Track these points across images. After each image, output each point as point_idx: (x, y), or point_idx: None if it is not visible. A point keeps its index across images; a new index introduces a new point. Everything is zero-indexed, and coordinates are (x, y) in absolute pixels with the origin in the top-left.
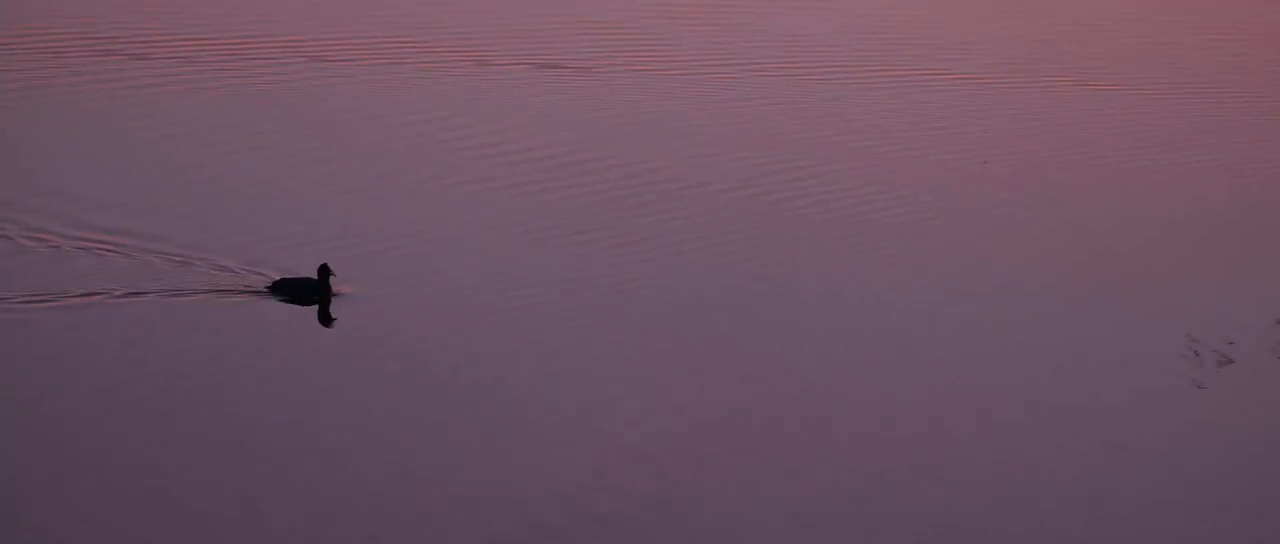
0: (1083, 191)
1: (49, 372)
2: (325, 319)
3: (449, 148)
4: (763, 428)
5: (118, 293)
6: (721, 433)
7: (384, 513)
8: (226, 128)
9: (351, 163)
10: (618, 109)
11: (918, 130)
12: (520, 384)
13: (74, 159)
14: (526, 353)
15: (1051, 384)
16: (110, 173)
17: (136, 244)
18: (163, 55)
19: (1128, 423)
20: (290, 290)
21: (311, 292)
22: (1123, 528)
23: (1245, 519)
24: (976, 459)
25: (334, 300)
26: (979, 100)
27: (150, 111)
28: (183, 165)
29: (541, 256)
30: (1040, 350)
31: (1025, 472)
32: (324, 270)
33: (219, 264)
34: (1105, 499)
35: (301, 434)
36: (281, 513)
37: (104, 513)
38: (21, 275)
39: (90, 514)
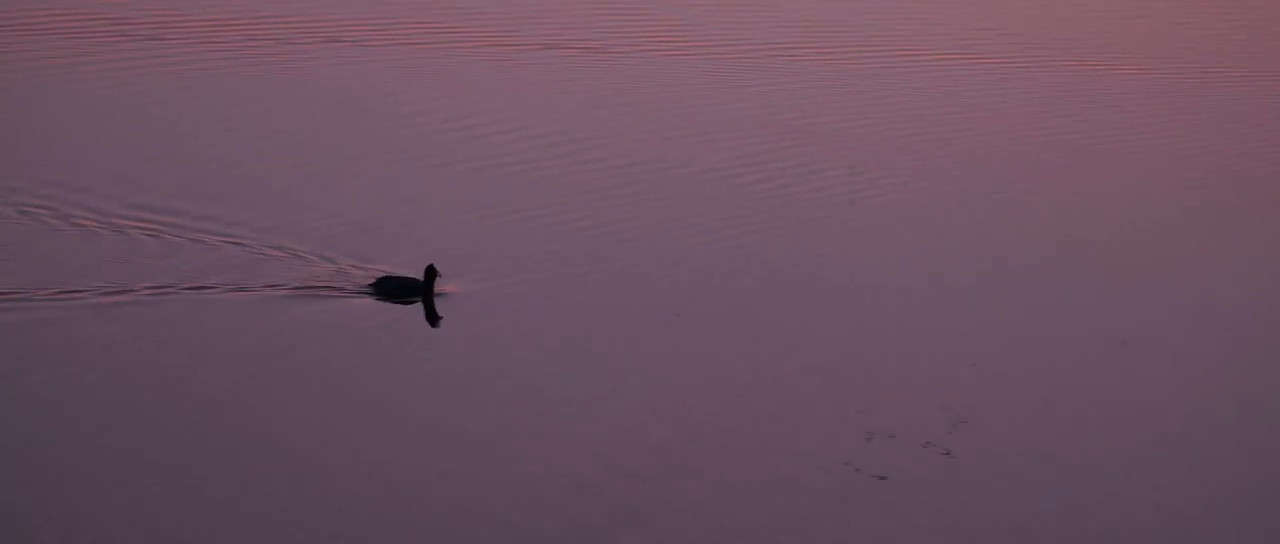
0: (1095, 174)
1: (151, 369)
2: (432, 318)
3: (482, 131)
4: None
5: (216, 287)
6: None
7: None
8: (267, 111)
9: (400, 149)
10: (649, 92)
11: (932, 112)
12: (634, 382)
13: (119, 143)
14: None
15: (1060, 365)
16: (168, 158)
17: (223, 234)
18: (178, 37)
19: (1138, 402)
20: (393, 289)
21: (415, 291)
22: (1139, 508)
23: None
24: (986, 440)
25: (437, 300)
26: (1001, 85)
27: (185, 94)
28: (235, 151)
29: (610, 246)
30: (1048, 329)
31: (1034, 452)
32: (431, 271)
33: (324, 257)
34: (1117, 480)
35: (416, 444)
36: (382, 516)
37: (201, 514)
38: (106, 265)
39: (187, 515)
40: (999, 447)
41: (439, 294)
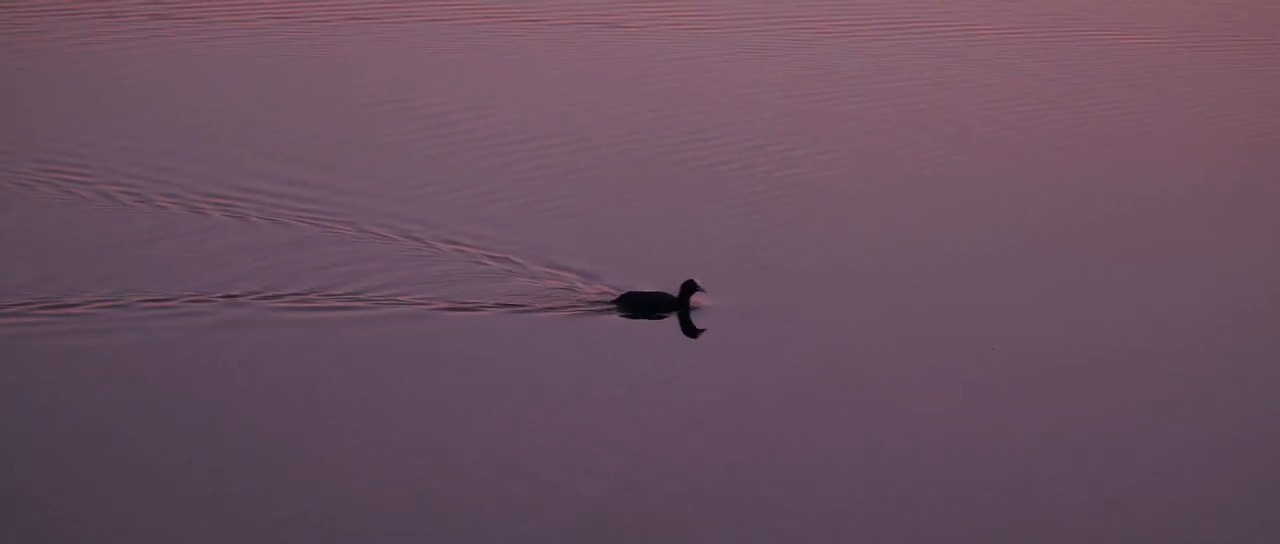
0: (1113, 149)
1: (398, 389)
2: (689, 330)
3: (626, 122)
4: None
5: (443, 302)
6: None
7: None
8: (330, 93)
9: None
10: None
11: (946, 89)
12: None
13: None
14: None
15: (1073, 342)
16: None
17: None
18: (217, 16)
19: (1156, 382)
20: (641, 305)
21: (664, 306)
22: (1156, 487)
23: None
24: (1007, 424)
25: (693, 314)
26: (1023, 57)
27: (236, 73)
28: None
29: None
30: (1062, 309)
31: (1047, 436)
32: (689, 287)
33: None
34: (1136, 460)
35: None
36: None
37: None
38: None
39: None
40: (1014, 429)
41: (695, 308)
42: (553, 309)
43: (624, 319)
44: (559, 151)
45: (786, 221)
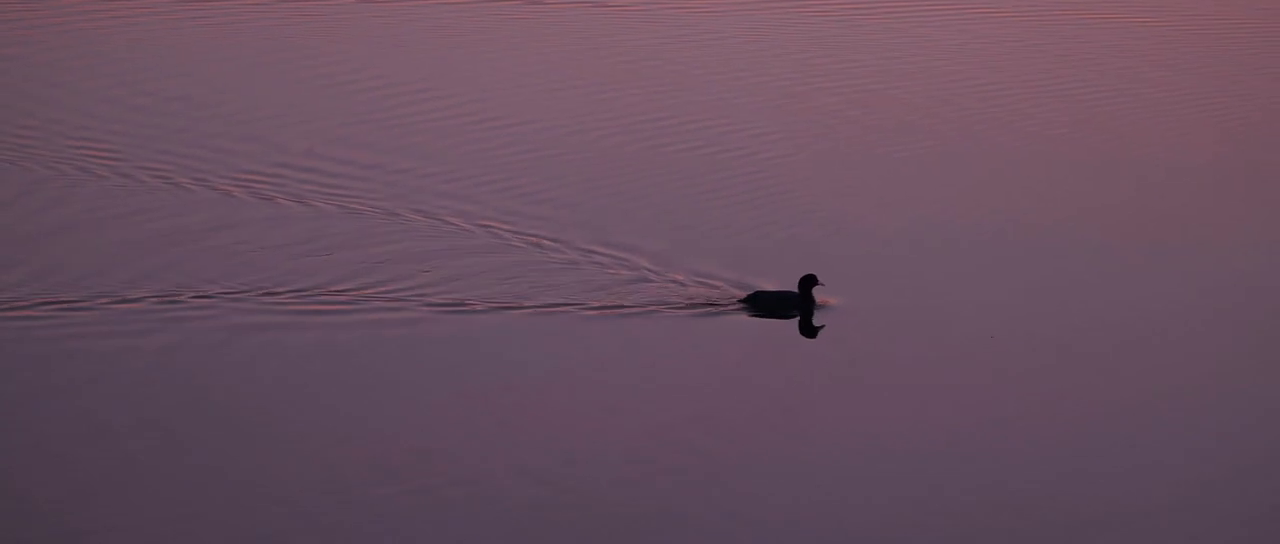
0: (1109, 134)
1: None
2: (809, 329)
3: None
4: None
5: (576, 304)
6: None
7: None
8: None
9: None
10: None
11: (951, 71)
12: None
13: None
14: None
15: (1080, 332)
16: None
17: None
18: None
19: (1159, 373)
20: (769, 303)
21: (792, 304)
22: (1158, 480)
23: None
24: (1017, 415)
25: (817, 312)
26: (1030, 41)
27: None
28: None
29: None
30: (1068, 295)
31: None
32: (809, 281)
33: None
34: (1139, 452)
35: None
36: None
37: None
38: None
39: None
40: (1017, 420)
41: (820, 306)
42: (679, 309)
43: (751, 318)
44: (600, 142)
45: (818, 209)
